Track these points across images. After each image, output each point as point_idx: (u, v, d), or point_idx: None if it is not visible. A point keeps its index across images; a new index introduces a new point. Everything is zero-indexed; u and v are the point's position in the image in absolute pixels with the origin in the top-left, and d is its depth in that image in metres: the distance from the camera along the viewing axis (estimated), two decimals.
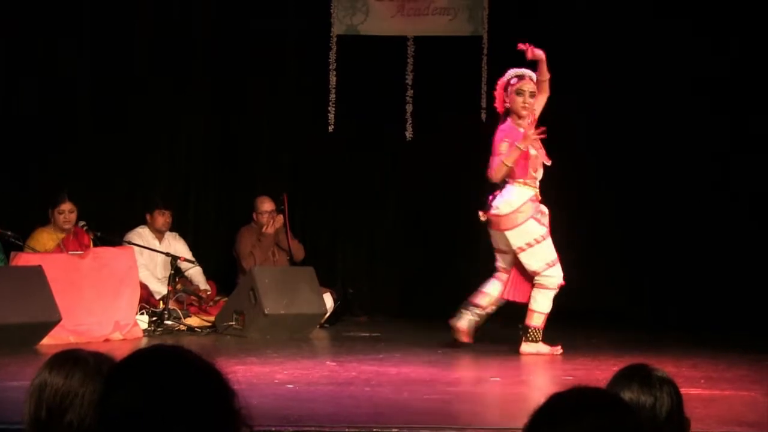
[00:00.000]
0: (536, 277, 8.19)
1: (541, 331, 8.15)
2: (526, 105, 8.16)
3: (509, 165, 8.08)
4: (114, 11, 10.75)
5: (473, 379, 7.36)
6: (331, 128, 11.09)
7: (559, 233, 8.52)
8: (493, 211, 8.21)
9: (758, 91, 10.18)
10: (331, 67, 11.03)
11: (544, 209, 8.25)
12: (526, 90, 8.17)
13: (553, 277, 8.16)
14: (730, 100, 10.29)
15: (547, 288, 8.16)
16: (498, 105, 8.35)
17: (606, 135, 10.49)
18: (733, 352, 8.10)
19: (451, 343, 8.40)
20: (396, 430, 4.90)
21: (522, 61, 10.46)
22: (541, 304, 8.16)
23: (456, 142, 8.97)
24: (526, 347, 8.14)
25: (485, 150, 8.31)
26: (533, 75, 8.20)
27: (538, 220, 8.17)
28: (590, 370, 7.20)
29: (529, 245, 8.16)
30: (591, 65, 10.57)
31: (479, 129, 9.14)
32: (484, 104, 10.62)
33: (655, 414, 2.89)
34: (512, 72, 8.29)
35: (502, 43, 10.81)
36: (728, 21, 10.30)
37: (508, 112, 8.27)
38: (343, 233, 11.36)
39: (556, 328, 8.63)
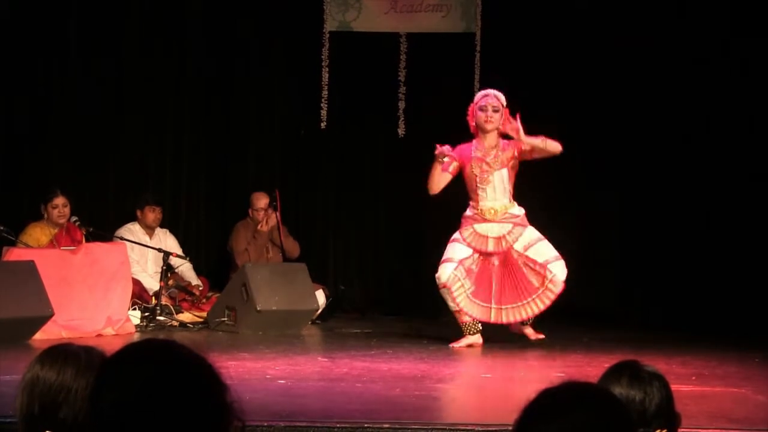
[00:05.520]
0: None
1: (462, 326, 8.43)
2: (488, 119, 8.47)
3: (431, 180, 8.56)
4: (103, 9, 10.72)
5: (464, 375, 7.37)
6: (323, 125, 11.08)
7: (548, 234, 8.53)
8: None
9: (758, 92, 10.17)
10: (323, 64, 11.01)
11: (489, 232, 8.41)
12: (488, 105, 8.51)
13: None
14: (729, 101, 10.27)
15: None
16: (471, 126, 8.66)
17: (596, 134, 10.48)
18: (723, 350, 8.11)
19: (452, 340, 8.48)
20: (387, 426, 4.89)
21: (513, 59, 10.51)
22: None
23: (449, 139, 8.95)
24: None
25: None
26: (499, 94, 8.53)
27: (457, 239, 8.52)
28: (582, 367, 7.21)
29: None
30: (586, 63, 10.57)
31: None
32: None
33: (645, 408, 2.91)
34: (479, 93, 8.71)
35: (494, 40, 10.84)
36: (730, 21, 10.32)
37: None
38: (335, 230, 11.36)
39: (546, 327, 8.63)
